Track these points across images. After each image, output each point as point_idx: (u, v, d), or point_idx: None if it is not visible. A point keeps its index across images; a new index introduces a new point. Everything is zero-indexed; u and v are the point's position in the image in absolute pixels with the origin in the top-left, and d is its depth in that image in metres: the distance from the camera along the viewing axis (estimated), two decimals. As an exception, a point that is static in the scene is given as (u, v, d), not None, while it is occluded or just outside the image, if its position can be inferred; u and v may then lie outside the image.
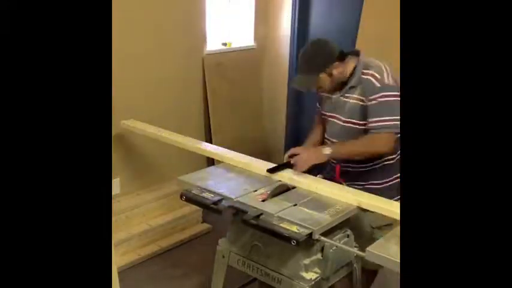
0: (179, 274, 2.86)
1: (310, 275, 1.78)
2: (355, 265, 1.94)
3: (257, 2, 3.84)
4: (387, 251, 1.53)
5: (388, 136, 1.99)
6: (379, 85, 1.98)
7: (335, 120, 2.17)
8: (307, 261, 1.78)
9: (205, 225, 3.34)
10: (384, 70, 2.01)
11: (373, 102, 1.99)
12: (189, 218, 3.29)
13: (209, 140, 3.65)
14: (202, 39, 3.52)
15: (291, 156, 2.15)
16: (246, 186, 2.04)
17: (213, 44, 3.64)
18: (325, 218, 1.77)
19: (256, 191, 2.00)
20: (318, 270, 1.79)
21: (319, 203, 1.90)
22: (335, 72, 2.07)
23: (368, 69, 2.03)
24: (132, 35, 3.01)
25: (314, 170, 2.24)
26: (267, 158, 2.37)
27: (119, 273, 1.47)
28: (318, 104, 2.34)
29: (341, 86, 2.12)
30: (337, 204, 1.89)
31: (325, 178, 2.21)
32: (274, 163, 2.25)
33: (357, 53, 2.12)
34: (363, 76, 2.03)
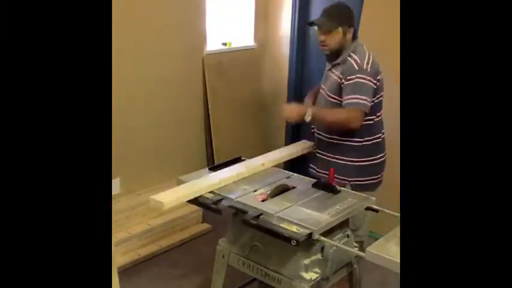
0: (179, 274, 2.86)
1: (310, 275, 1.78)
2: (355, 265, 1.94)
3: (257, 2, 3.84)
4: (387, 251, 1.53)
5: (358, 112, 2.20)
6: (357, 68, 2.21)
7: (322, 92, 2.39)
8: (307, 261, 1.78)
9: (205, 225, 3.34)
10: (366, 58, 2.23)
11: (350, 82, 2.21)
12: (189, 218, 3.29)
13: (209, 140, 3.65)
14: (202, 39, 3.52)
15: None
16: (245, 186, 2.04)
17: (213, 44, 3.64)
18: (325, 218, 1.77)
19: (256, 191, 2.00)
20: (318, 270, 1.79)
21: (319, 203, 1.90)
22: (348, 35, 2.28)
23: (354, 53, 2.26)
24: (132, 35, 3.01)
25: (307, 162, 2.47)
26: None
27: (119, 273, 1.47)
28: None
29: (332, 57, 2.32)
30: (337, 204, 1.89)
31: (317, 173, 2.38)
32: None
33: (356, 36, 2.34)
34: (348, 58, 2.26)
